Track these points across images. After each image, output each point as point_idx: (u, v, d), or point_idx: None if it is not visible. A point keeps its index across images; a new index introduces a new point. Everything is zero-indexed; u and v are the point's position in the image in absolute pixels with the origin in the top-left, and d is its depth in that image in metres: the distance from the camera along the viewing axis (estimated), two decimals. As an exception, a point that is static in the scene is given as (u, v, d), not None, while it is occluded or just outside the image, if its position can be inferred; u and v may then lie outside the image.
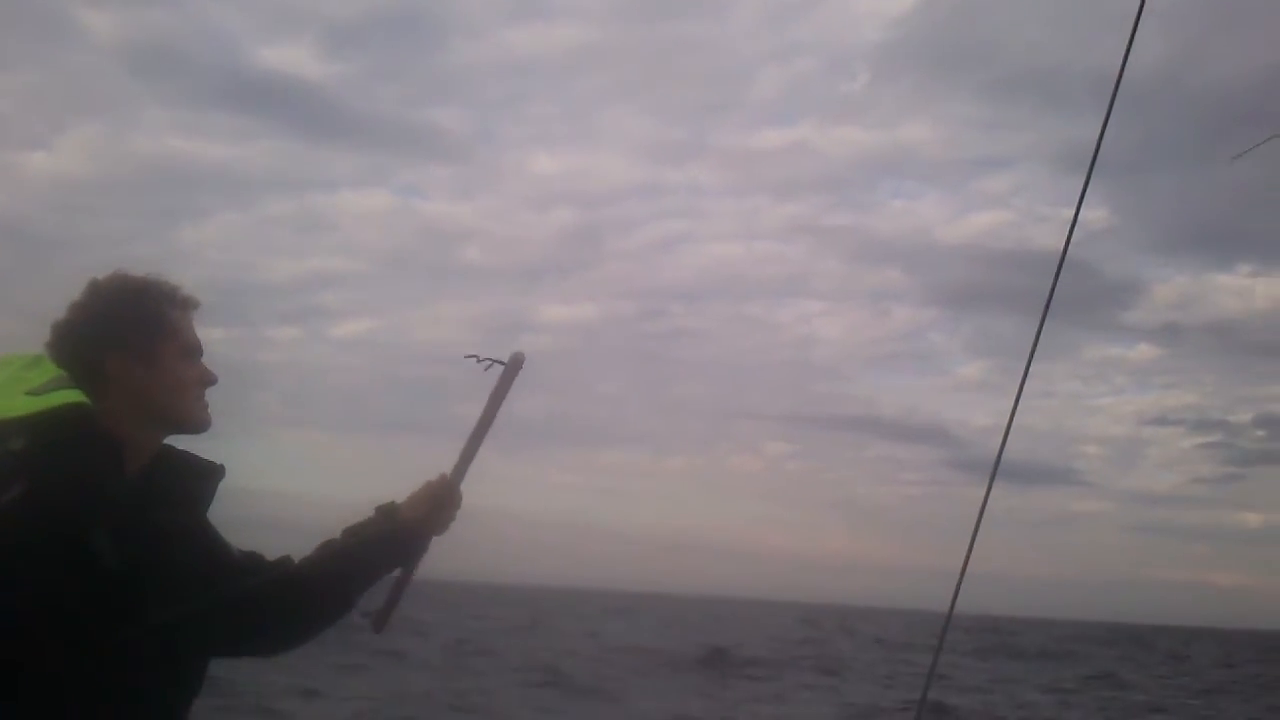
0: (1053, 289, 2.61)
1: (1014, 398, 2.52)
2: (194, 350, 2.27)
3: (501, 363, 2.39)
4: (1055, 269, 2.65)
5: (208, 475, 2.29)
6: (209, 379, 2.27)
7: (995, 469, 2.39)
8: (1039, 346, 2.59)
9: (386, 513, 2.40)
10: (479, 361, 2.38)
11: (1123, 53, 2.45)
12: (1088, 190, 2.63)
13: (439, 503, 2.40)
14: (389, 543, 2.36)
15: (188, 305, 2.28)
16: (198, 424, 2.25)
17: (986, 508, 2.25)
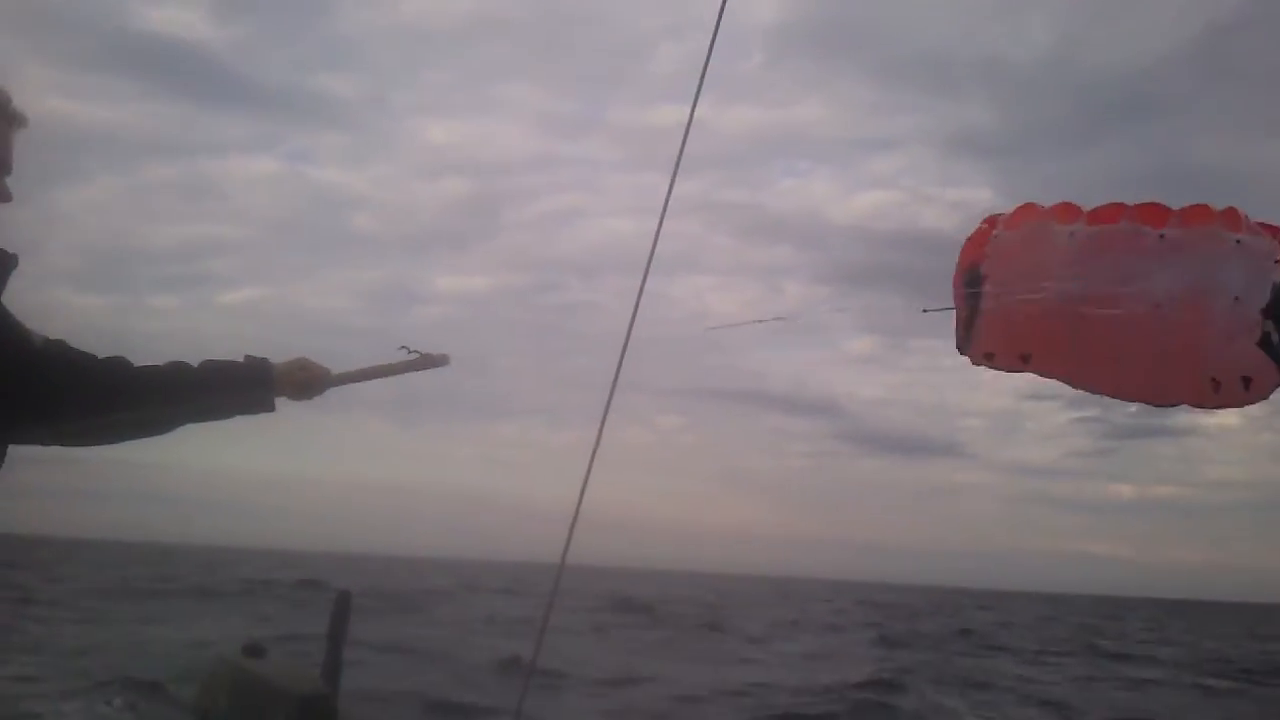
0: (626, 342, 2.84)
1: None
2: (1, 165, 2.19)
3: (420, 352, 2.62)
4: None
5: None
6: (3, 196, 2.20)
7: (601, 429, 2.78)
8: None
9: (258, 364, 2.45)
10: (409, 352, 2.60)
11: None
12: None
13: (309, 382, 2.49)
14: (248, 381, 2.41)
15: (13, 120, 2.23)
16: None
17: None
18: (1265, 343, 2.74)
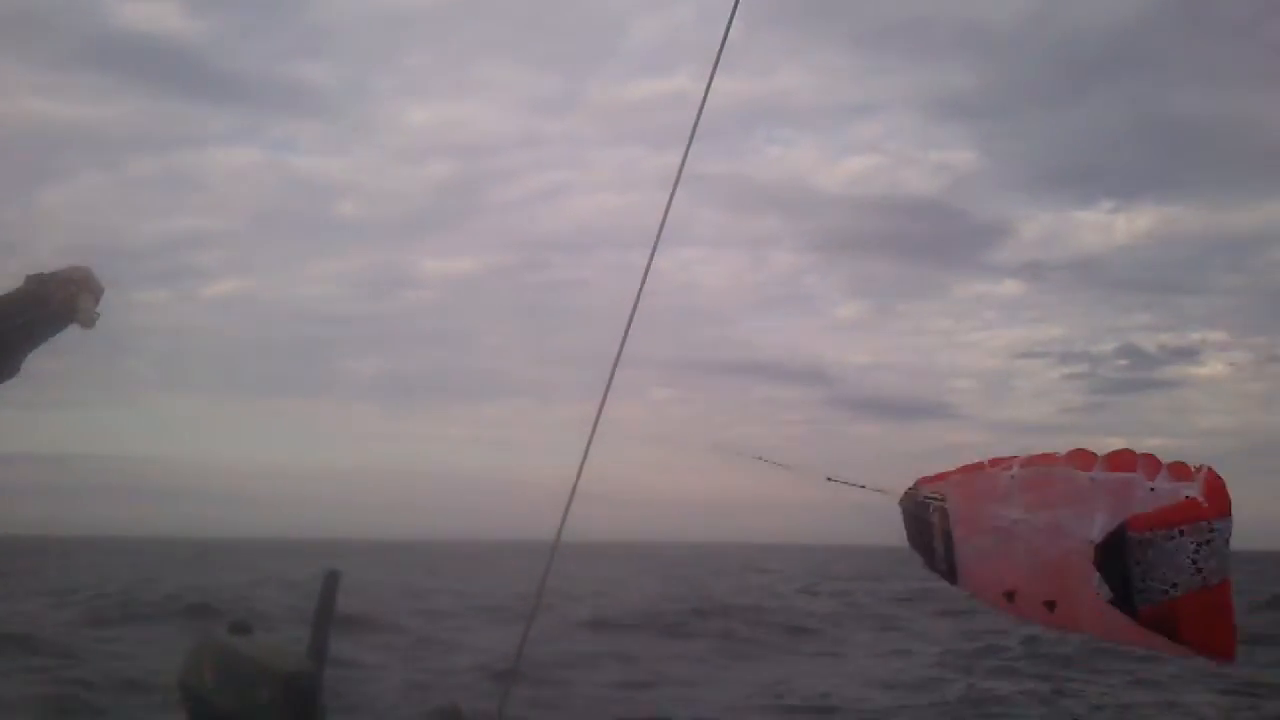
0: (630, 319, 2.93)
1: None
2: None
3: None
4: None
5: None
6: None
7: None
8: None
9: (40, 280, 2.57)
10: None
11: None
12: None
13: (84, 284, 2.60)
14: (42, 307, 2.54)
15: None
16: None
17: None
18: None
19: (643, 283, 2.94)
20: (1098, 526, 2.81)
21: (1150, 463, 2.85)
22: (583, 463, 2.79)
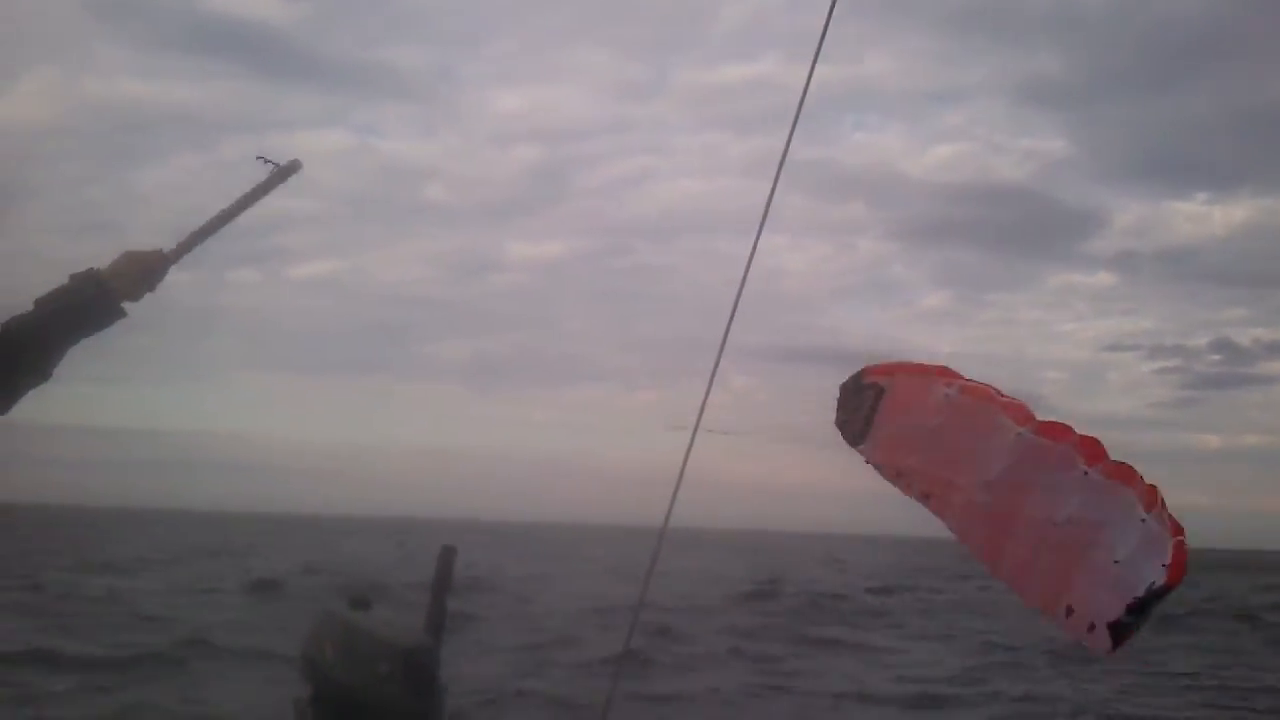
0: (730, 322, 3.02)
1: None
2: None
3: (277, 164, 2.65)
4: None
5: None
6: None
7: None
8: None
9: (85, 278, 2.43)
10: (265, 162, 2.66)
11: None
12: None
13: (147, 274, 2.48)
14: (86, 306, 2.40)
15: None
16: None
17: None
18: (1118, 624, 2.89)
19: (745, 272, 2.98)
20: (996, 470, 3.07)
21: (1089, 446, 3.01)
22: (688, 451, 2.82)
